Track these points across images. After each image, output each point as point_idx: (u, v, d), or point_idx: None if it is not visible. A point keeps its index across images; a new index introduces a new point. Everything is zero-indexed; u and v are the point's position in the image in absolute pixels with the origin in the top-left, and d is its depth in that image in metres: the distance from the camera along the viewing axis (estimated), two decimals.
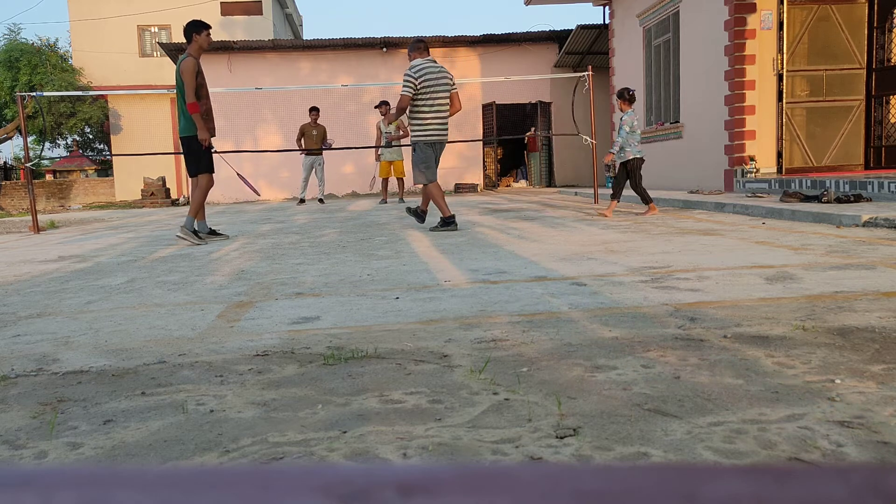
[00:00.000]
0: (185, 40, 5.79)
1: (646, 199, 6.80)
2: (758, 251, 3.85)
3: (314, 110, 12.06)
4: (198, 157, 5.69)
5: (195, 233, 5.69)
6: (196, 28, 5.69)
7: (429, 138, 5.60)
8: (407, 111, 5.68)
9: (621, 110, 6.74)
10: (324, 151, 11.86)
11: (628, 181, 6.79)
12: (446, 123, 5.65)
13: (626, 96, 6.66)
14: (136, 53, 21.22)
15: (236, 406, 1.56)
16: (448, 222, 5.65)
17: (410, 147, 5.85)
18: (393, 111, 5.93)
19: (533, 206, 9.12)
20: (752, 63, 8.91)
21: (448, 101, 5.64)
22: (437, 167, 5.76)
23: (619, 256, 3.82)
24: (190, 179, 5.89)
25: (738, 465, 0.65)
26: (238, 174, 6.80)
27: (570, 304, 2.57)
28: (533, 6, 14.91)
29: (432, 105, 5.56)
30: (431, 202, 5.97)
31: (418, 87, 5.48)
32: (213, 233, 5.96)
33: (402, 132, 11.41)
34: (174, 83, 5.68)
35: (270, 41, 16.15)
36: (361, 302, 2.81)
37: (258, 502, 0.26)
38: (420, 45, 5.64)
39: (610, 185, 13.18)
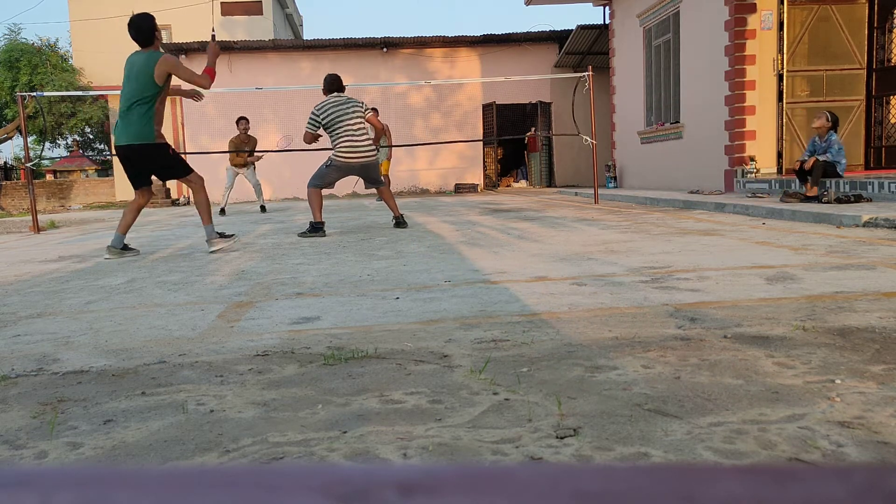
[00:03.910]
0: (142, 42, 4.80)
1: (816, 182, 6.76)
2: (758, 251, 3.85)
3: (243, 120, 10.75)
4: (177, 160, 4.99)
5: (221, 235, 5.09)
6: (155, 25, 4.85)
7: (337, 160, 6.05)
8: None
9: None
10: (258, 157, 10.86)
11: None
12: (363, 144, 6.06)
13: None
14: None
15: (236, 406, 1.56)
16: (316, 228, 5.99)
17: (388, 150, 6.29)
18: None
19: (533, 206, 9.13)
20: (753, 63, 8.91)
21: (361, 123, 6.09)
22: (338, 180, 6.24)
23: (620, 256, 3.82)
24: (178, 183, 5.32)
25: (738, 465, 0.65)
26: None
27: (571, 304, 2.57)
28: (533, 6, 14.92)
29: (344, 131, 6.00)
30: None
31: (322, 121, 5.97)
32: (126, 248, 5.03)
33: (388, 139, 11.52)
34: (130, 82, 4.72)
35: (271, 41, 16.16)
36: (362, 302, 2.81)
37: (258, 502, 0.26)
38: (327, 84, 6.15)
39: (610, 185, 13.22)
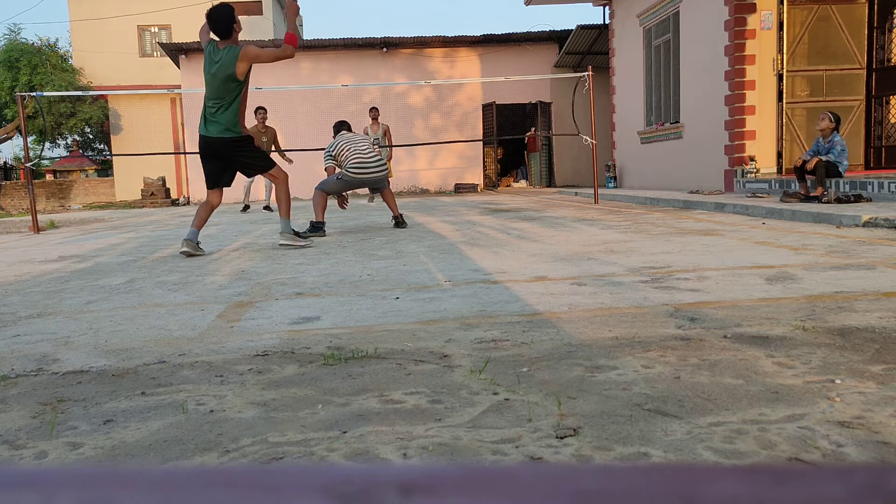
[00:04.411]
0: (221, 34, 4.78)
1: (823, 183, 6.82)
2: (758, 251, 3.85)
3: (261, 110, 10.60)
4: (260, 153, 5.16)
5: (296, 233, 5.19)
6: (234, 16, 4.80)
7: (348, 175, 6.44)
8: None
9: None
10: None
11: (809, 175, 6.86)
12: (373, 161, 6.46)
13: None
14: (136, 53, 21.22)
15: (236, 406, 1.56)
16: (316, 228, 6.16)
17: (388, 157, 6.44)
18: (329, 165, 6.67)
19: (533, 206, 9.13)
20: (752, 63, 8.91)
21: (370, 148, 6.58)
22: (345, 191, 6.58)
23: (620, 256, 3.82)
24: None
25: (738, 465, 0.65)
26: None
27: (571, 304, 2.57)
28: (533, 6, 14.92)
29: (353, 152, 6.43)
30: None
31: (334, 153, 6.47)
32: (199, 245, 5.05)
33: (388, 140, 11.43)
34: (215, 76, 4.78)
35: (271, 41, 16.15)
36: (361, 302, 2.81)
37: (258, 502, 0.26)
38: (336, 127, 6.78)
39: (610, 185, 13.22)
